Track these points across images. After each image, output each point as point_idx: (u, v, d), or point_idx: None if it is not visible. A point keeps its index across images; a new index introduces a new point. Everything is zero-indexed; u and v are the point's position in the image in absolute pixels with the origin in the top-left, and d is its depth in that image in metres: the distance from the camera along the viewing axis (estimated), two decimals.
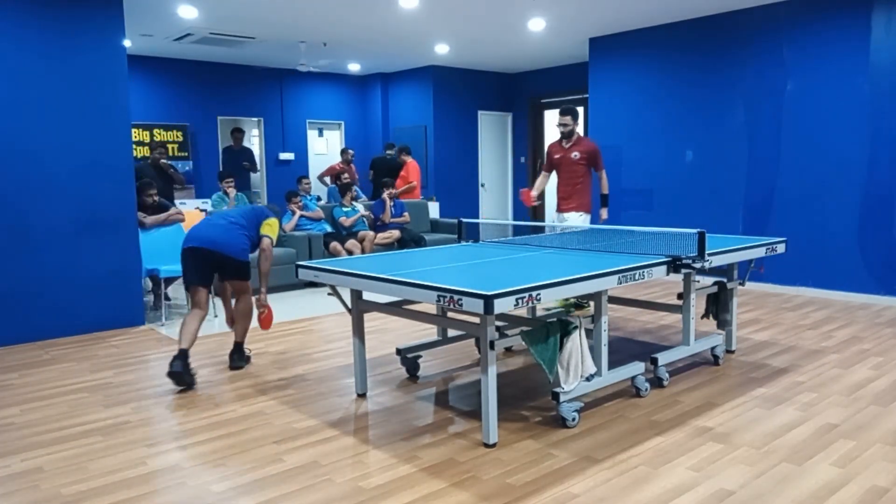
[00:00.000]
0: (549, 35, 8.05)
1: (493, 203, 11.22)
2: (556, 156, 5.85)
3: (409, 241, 7.78)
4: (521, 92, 11.06)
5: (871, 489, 2.65)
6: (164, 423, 3.48)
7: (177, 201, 7.19)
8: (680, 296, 4.18)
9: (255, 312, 4.42)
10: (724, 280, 4.45)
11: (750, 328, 5.25)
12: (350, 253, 7.33)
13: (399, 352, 4.19)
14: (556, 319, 3.31)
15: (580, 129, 5.84)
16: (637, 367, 3.75)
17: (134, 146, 8.50)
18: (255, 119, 10.10)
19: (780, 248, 4.51)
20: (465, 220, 4.81)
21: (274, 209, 4.68)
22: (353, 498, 2.64)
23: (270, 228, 4.47)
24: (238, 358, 4.43)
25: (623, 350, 4.66)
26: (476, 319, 3.10)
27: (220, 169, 9.15)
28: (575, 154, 5.73)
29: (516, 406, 3.64)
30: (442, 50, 8.97)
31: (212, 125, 9.59)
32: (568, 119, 5.69)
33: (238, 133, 9.21)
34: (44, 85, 5.18)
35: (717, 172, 7.18)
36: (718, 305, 4.51)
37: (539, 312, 5.24)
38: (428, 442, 3.18)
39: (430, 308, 3.66)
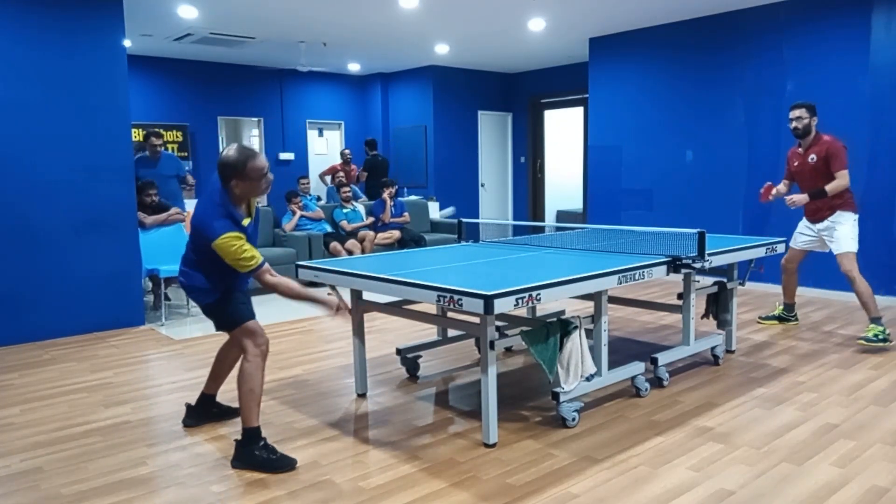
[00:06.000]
0: (549, 35, 8.04)
1: (493, 203, 11.22)
2: (795, 163, 4.86)
3: (409, 241, 7.78)
4: (521, 92, 11.06)
5: (871, 489, 2.65)
6: (164, 423, 3.48)
7: None
8: (680, 296, 4.18)
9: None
10: (724, 280, 4.45)
11: (750, 328, 5.25)
12: (350, 253, 7.33)
13: (399, 352, 4.19)
14: (556, 319, 3.31)
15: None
16: (637, 367, 3.74)
17: (134, 146, 8.48)
18: (255, 119, 10.10)
19: (780, 248, 4.51)
20: (465, 220, 4.81)
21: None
22: (353, 498, 2.64)
23: (242, 252, 2.85)
24: (244, 453, 2.94)
25: (623, 350, 4.66)
26: (476, 319, 3.10)
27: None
28: (812, 157, 4.69)
29: (516, 406, 3.63)
30: (442, 50, 8.97)
31: (212, 125, 9.59)
32: (800, 112, 4.67)
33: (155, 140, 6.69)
34: (44, 85, 5.18)
35: (717, 172, 7.17)
36: (718, 305, 4.51)
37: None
38: (428, 442, 3.18)
39: (430, 308, 3.66)
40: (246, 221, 3.00)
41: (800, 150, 4.84)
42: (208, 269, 3.01)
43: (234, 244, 2.86)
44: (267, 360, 4.46)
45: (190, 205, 7.64)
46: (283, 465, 2.92)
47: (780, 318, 5.34)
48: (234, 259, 2.88)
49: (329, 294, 3.09)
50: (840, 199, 4.69)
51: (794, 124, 4.74)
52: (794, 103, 4.80)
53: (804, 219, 5.00)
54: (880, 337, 4.54)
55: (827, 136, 4.72)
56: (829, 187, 4.61)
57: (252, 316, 3.07)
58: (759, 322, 5.41)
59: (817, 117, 4.74)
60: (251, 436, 2.94)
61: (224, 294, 3.06)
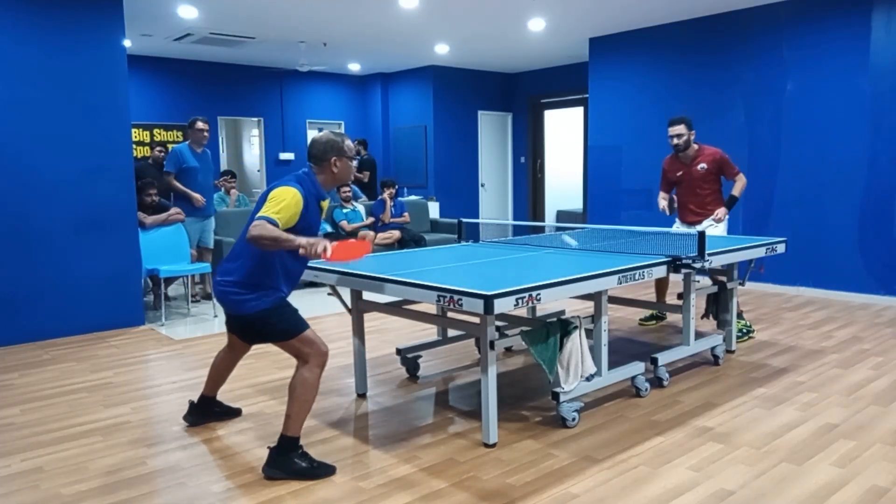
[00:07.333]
0: (549, 35, 8.04)
1: (493, 203, 11.22)
2: (678, 173, 4.99)
3: (409, 241, 7.78)
4: (521, 92, 11.06)
5: (871, 489, 2.65)
6: (164, 423, 3.48)
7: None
8: (680, 296, 4.18)
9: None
10: (724, 280, 4.44)
11: None
12: None
13: (399, 352, 4.19)
14: (556, 319, 3.31)
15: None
16: (637, 367, 3.74)
17: (134, 146, 8.49)
18: (255, 119, 10.10)
19: (780, 248, 4.51)
20: (465, 220, 4.81)
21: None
22: (353, 498, 2.64)
23: (272, 205, 2.74)
24: (282, 462, 2.83)
25: (623, 350, 4.66)
26: (476, 319, 3.10)
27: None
28: (701, 166, 4.87)
29: (516, 406, 3.63)
30: (442, 50, 8.97)
31: (212, 125, 9.52)
32: (679, 128, 4.83)
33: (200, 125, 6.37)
34: (44, 85, 5.18)
35: None
36: (718, 305, 4.51)
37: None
38: (428, 442, 3.18)
39: (430, 308, 3.66)
40: (325, 204, 2.99)
41: (680, 160, 4.96)
42: (264, 261, 2.83)
43: (291, 198, 2.75)
44: (268, 360, 4.49)
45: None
46: (323, 472, 2.83)
47: (655, 318, 5.51)
48: (274, 204, 2.72)
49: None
50: (717, 202, 4.93)
51: (674, 140, 4.87)
52: (671, 119, 4.92)
53: (678, 222, 5.14)
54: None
55: (708, 146, 4.95)
56: (737, 191, 4.84)
57: (307, 324, 2.94)
58: (640, 324, 5.48)
59: (695, 131, 4.94)
60: (291, 444, 2.83)
61: (279, 299, 2.93)
